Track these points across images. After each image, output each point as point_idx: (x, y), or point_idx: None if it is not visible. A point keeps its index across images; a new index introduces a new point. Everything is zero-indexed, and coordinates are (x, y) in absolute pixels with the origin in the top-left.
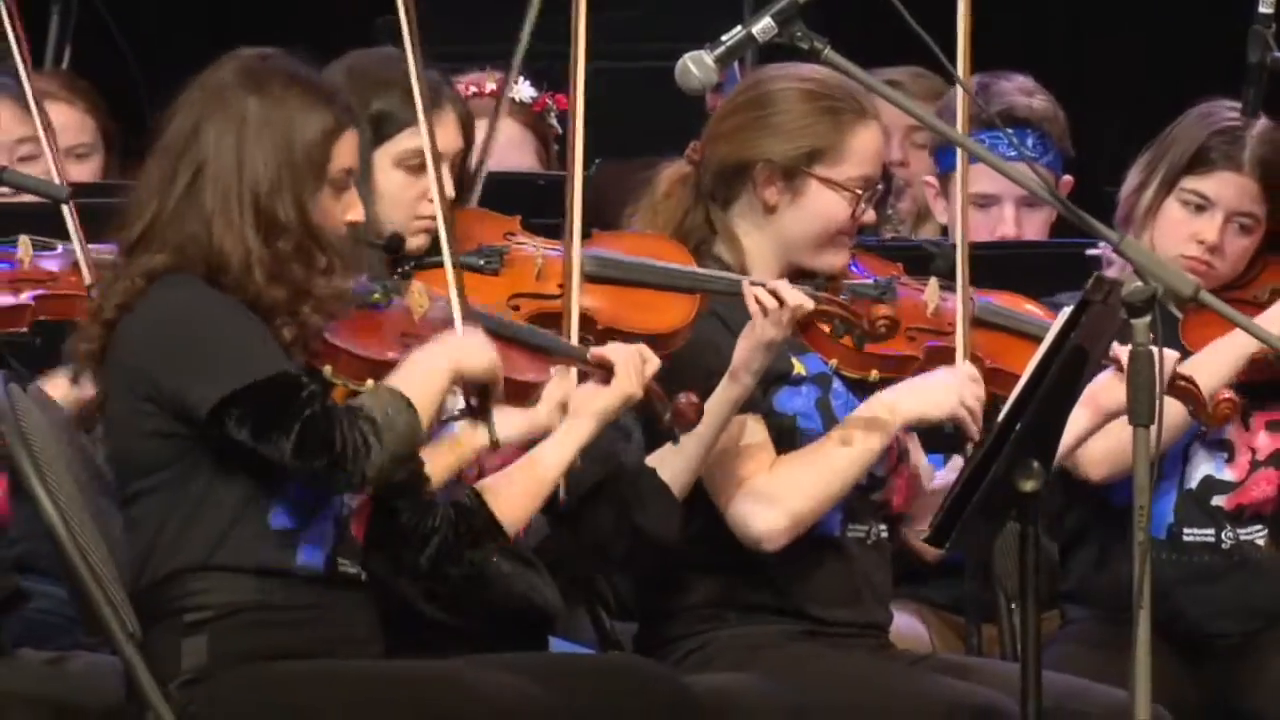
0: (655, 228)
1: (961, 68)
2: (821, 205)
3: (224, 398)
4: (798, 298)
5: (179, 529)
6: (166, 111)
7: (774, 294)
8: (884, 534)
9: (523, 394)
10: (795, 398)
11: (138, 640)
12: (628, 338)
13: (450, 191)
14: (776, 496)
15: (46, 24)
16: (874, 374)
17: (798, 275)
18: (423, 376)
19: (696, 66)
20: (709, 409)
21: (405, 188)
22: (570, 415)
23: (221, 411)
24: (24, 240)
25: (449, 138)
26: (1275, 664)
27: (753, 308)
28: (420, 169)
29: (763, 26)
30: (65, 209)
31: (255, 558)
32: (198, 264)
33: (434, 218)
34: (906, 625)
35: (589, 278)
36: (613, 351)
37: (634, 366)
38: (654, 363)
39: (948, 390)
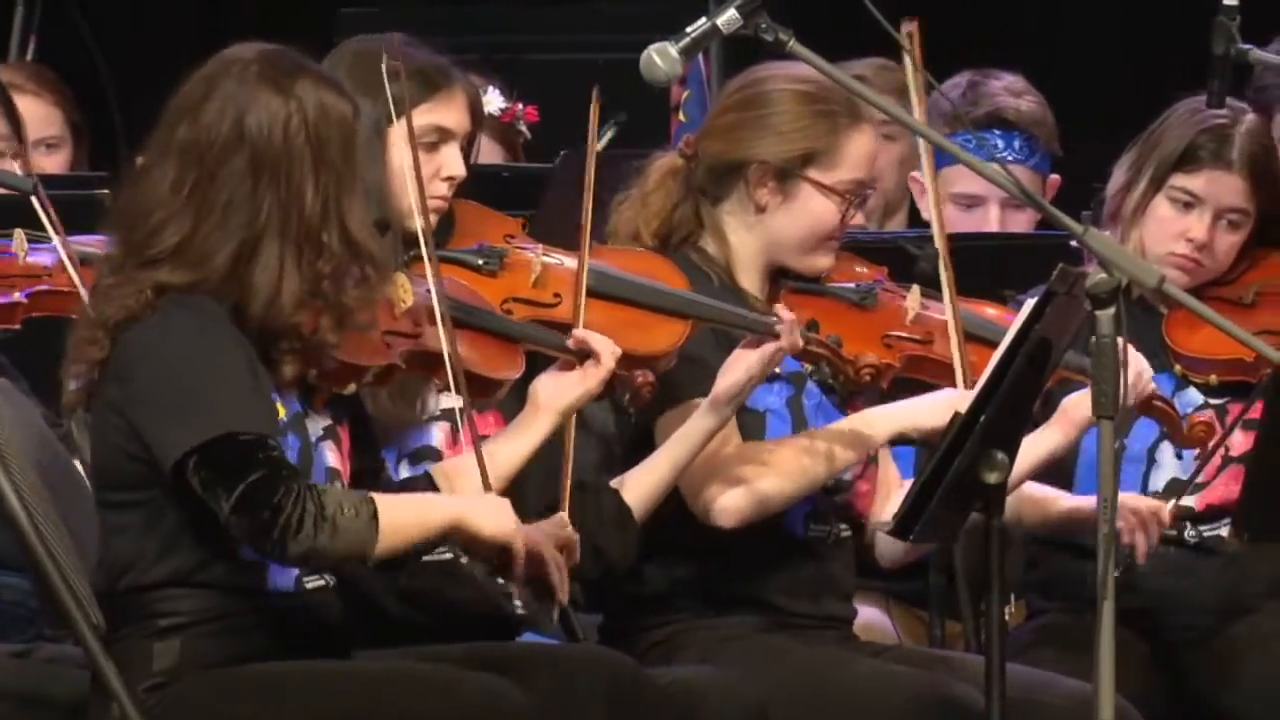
0: (644, 218)
1: (918, 112)
2: (812, 208)
3: (189, 450)
4: (793, 331)
5: (157, 551)
6: (173, 108)
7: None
8: (845, 532)
9: (489, 390)
10: (768, 395)
11: (102, 632)
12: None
13: (460, 170)
14: (743, 476)
15: (11, 16)
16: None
17: (780, 275)
18: (422, 507)
19: (661, 58)
20: (686, 434)
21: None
22: (534, 410)
23: (185, 460)
24: (19, 234)
25: (459, 117)
26: (1251, 669)
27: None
28: (434, 147)
29: (727, 18)
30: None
31: (230, 580)
32: (220, 292)
33: (445, 198)
34: (871, 618)
35: (587, 292)
36: (597, 342)
37: (610, 363)
38: (618, 353)
39: (944, 409)
